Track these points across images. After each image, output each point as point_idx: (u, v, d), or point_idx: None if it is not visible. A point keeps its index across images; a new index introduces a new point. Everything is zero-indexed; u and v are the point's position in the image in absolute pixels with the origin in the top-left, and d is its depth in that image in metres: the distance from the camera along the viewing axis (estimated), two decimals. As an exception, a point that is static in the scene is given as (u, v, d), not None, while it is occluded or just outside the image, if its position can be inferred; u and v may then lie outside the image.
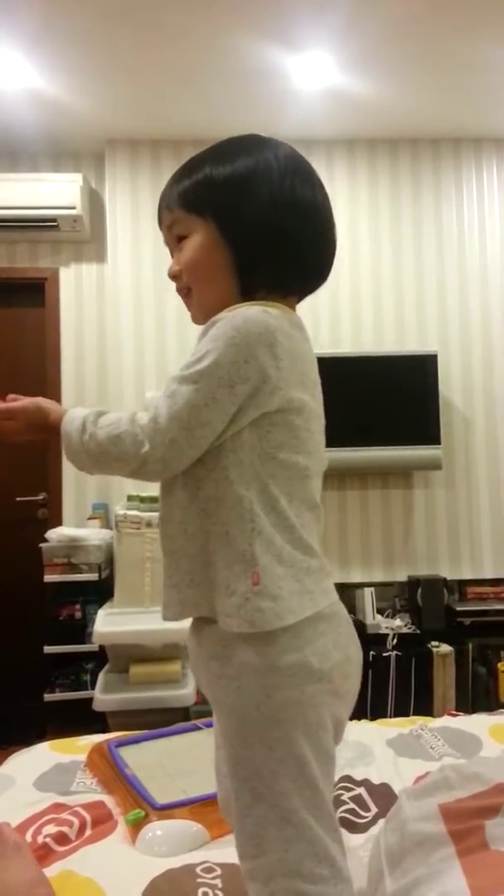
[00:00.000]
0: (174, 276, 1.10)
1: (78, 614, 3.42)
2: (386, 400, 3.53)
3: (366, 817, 1.53)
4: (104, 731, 3.02)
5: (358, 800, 1.60)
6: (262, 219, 1.03)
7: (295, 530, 1.00)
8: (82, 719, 3.14)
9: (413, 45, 2.97)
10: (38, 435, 1.09)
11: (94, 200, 3.77)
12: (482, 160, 3.80)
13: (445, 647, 3.35)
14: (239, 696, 0.96)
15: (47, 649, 3.30)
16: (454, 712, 2.21)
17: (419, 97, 3.37)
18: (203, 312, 1.07)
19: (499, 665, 3.46)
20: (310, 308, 3.34)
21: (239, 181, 1.03)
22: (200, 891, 1.32)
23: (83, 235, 3.71)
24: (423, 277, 3.73)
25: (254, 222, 1.03)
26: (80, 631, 3.37)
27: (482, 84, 3.26)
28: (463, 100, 3.41)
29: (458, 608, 3.50)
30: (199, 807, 1.55)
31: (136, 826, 1.52)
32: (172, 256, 1.12)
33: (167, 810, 1.54)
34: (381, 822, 1.50)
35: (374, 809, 1.54)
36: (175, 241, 1.09)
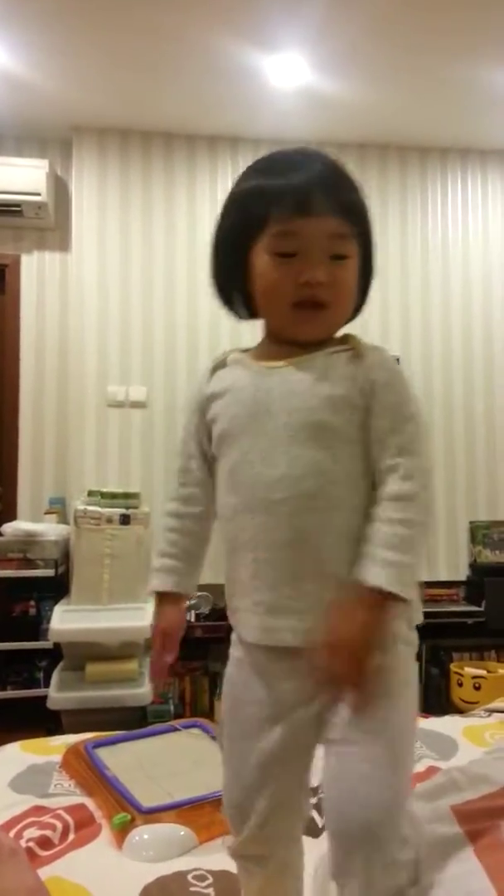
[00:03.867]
0: (317, 284, 0.99)
1: (32, 610, 3.34)
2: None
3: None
4: (56, 729, 2.95)
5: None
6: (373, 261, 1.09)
7: None
8: (33, 718, 3.06)
9: (386, 50, 2.98)
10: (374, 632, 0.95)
11: (60, 187, 3.67)
12: (447, 170, 3.87)
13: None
14: (394, 657, 0.99)
15: (0, 646, 3.22)
16: (423, 714, 2.23)
17: (390, 102, 3.39)
18: (326, 332, 1.06)
19: (451, 666, 3.53)
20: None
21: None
22: (194, 898, 1.29)
23: (47, 223, 3.61)
24: (388, 283, 3.76)
25: (372, 264, 1.08)
26: (35, 628, 3.29)
27: (453, 93, 3.31)
28: (434, 108, 3.46)
29: (413, 610, 3.55)
30: (186, 810, 1.52)
31: (123, 830, 1.48)
32: (309, 260, 1.00)
33: (154, 814, 1.51)
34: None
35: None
36: (330, 252, 1.00)
